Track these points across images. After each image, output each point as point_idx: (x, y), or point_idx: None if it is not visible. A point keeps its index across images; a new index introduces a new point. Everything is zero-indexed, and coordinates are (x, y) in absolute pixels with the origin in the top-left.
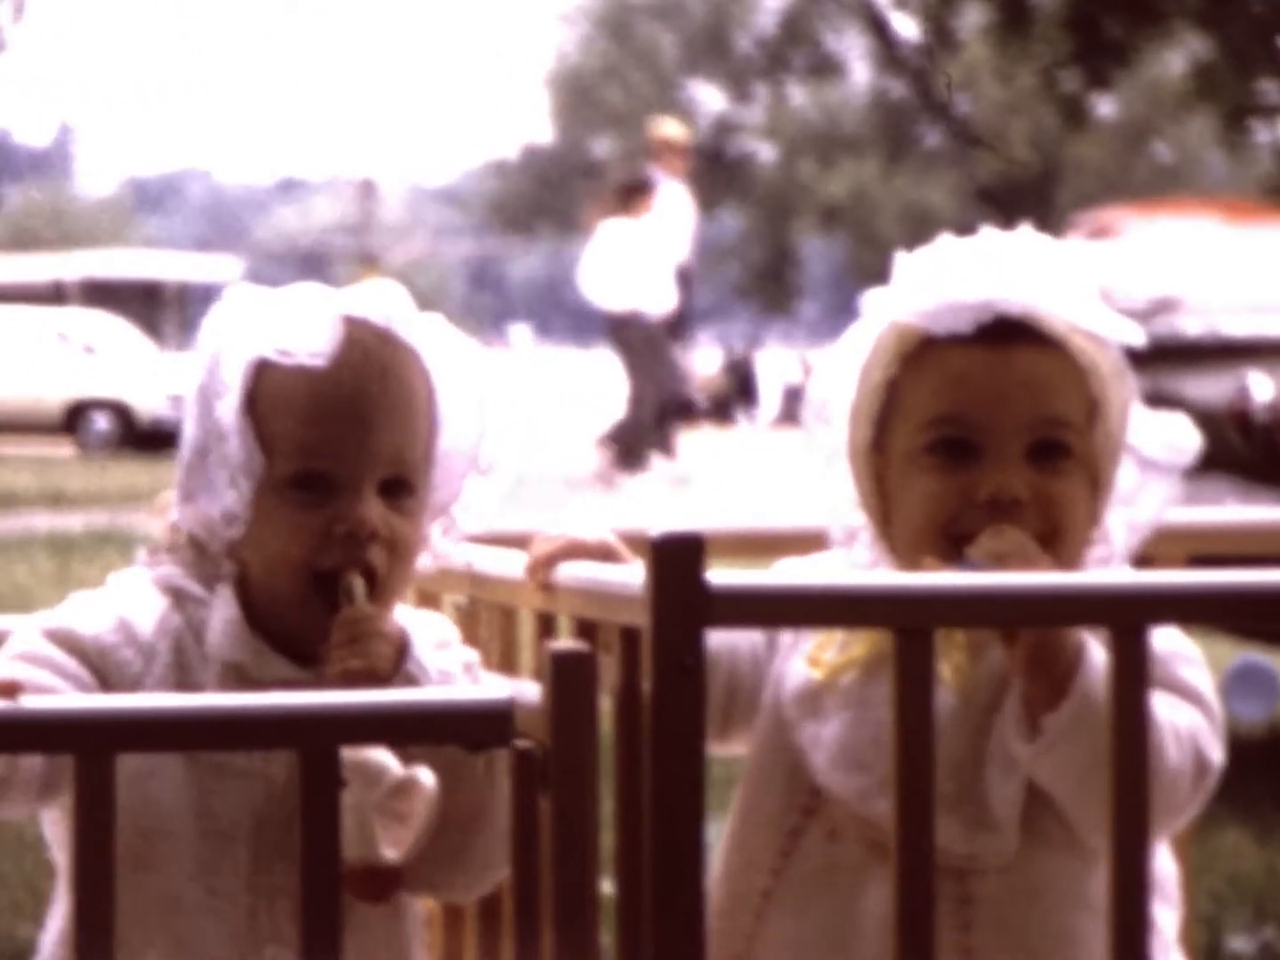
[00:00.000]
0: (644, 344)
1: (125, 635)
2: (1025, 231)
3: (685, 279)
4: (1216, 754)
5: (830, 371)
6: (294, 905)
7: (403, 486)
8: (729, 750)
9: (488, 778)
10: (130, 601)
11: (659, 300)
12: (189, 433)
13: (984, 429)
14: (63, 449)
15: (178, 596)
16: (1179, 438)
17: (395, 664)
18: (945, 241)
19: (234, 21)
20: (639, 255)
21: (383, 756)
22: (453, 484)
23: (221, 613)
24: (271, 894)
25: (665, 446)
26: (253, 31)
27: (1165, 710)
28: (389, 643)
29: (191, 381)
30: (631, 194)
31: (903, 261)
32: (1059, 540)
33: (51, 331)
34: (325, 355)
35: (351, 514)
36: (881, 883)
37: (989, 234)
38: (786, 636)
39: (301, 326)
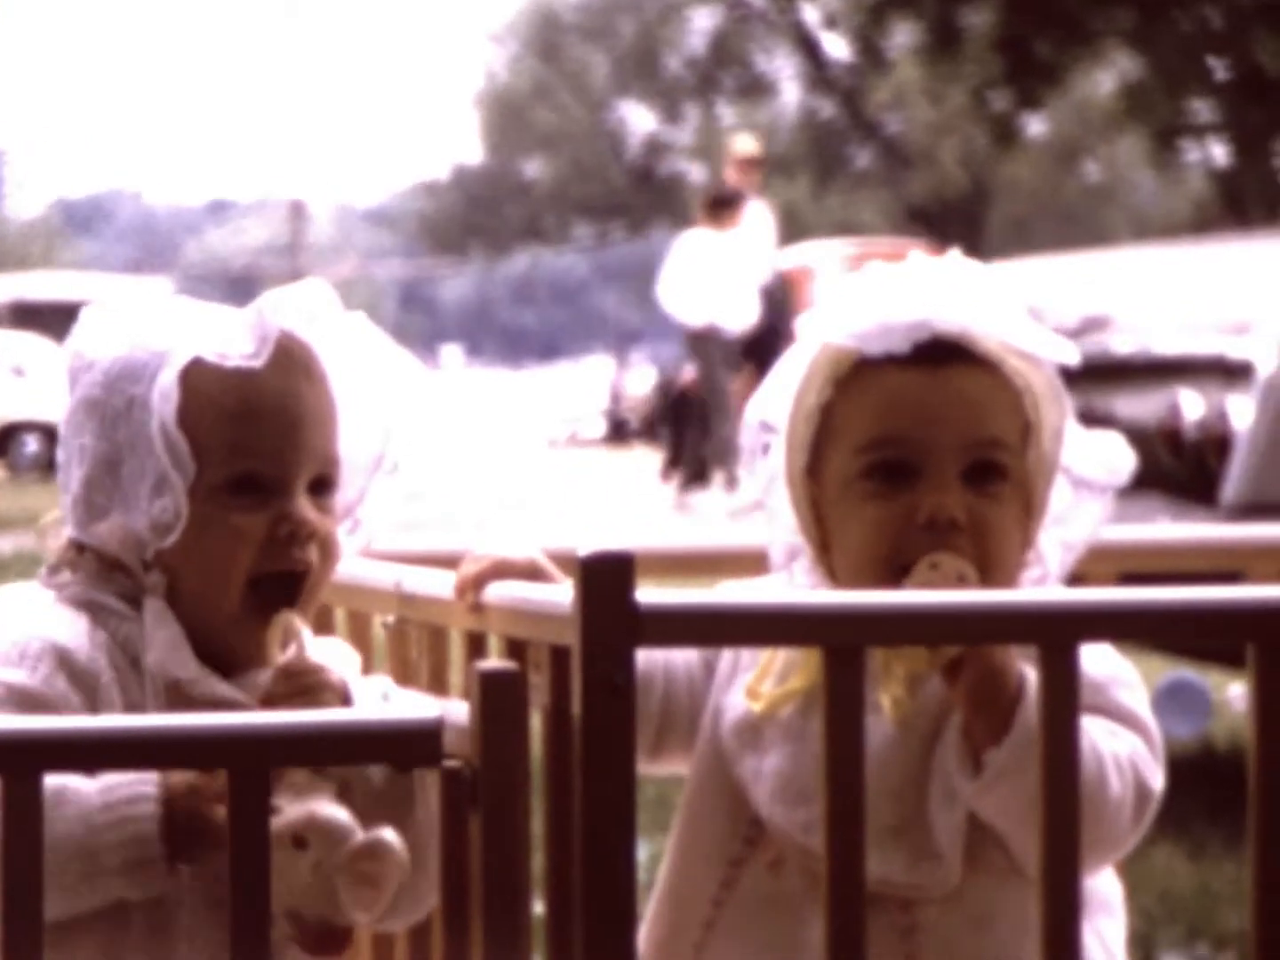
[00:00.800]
0: (722, 360)
1: (66, 666)
2: (955, 255)
3: (770, 298)
4: (1157, 781)
5: (766, 396)
6: None
7: (327, 485)
8: (661, 770)
9: (426, 818)
10: (49, 625)
11: (739, 316)
12: (88, 448)
13: (920, 450)
14: None
15: (95, 612)
16: (1114, 457)
17: None
18: (875, 266)
19: (161, 42)
20: (723, 269)
21: (345, 817)
22: (357, 484)
23: (160, 629)
24: None
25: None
26: (180, 52)
27: (1106, 739)
28: (335, 694)
29: (81, 396)
30: (721, 206)
31: (834, 285)
32: (993, 563)
33: None
34: (262, 357)
35: (293, 514)
36: (818, 914)
37: (919, 258)
38: (724, 666)
39: (230, 330)
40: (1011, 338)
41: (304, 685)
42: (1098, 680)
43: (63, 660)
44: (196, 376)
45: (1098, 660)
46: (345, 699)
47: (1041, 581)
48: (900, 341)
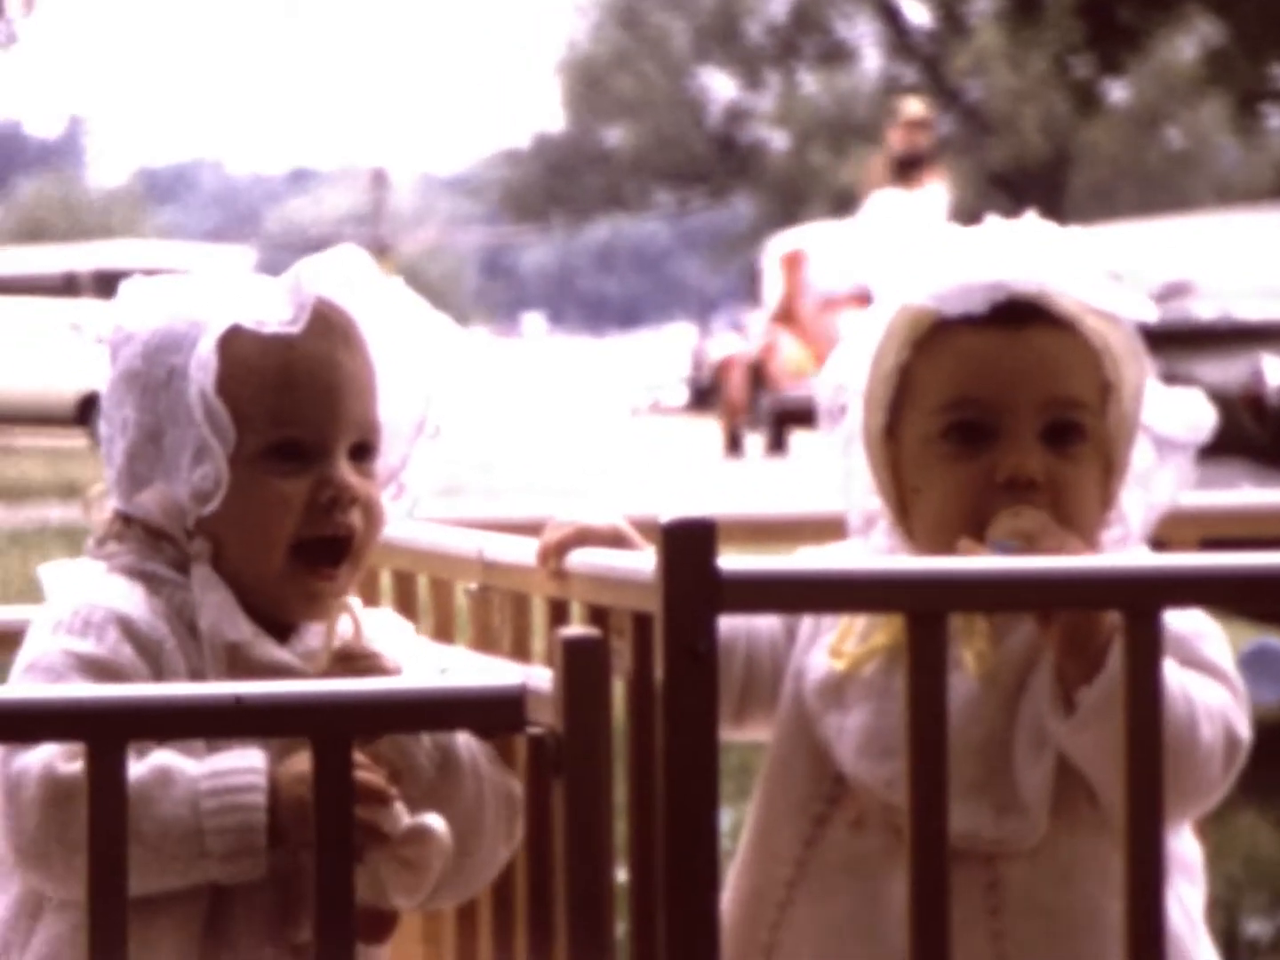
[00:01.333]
0: None
1: (130, 634)
2: (1031, 217)
3: None
4: (1245, 730)
5: (843, 358)
6: None
7: (368, 451)
8: (745, 736)
9: (476, 802)
10: (107, 594)
11: None
12: (130, 419)
13: (999, 411)
14: (76, 440)
15: (148, 580)
16: (1195, 415)
17: None
18: (953, 229)
19: (244, 11)
20: (911, 229)
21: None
22: (399, 450)
23: (211, 594)
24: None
25: None
26: (263, 21)
27: (1196, 689)
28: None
29: (122, 369)
30: (910, 166)
31: (911, 247)
32: (1072, 523)
33: (64, 323)
34: (299, 323)
35: (334, 479)
36: (901, 868)
37: (996, 221)
38: (805, 628)
39: (268, 297)
40: (1089, 297)
41: (360, 669)
42: (1181, 634)
43: (127, 628)
44: (235, 344)
45: (1180, 614)
46: None
47: (1123, 541)
48: (979, 301)
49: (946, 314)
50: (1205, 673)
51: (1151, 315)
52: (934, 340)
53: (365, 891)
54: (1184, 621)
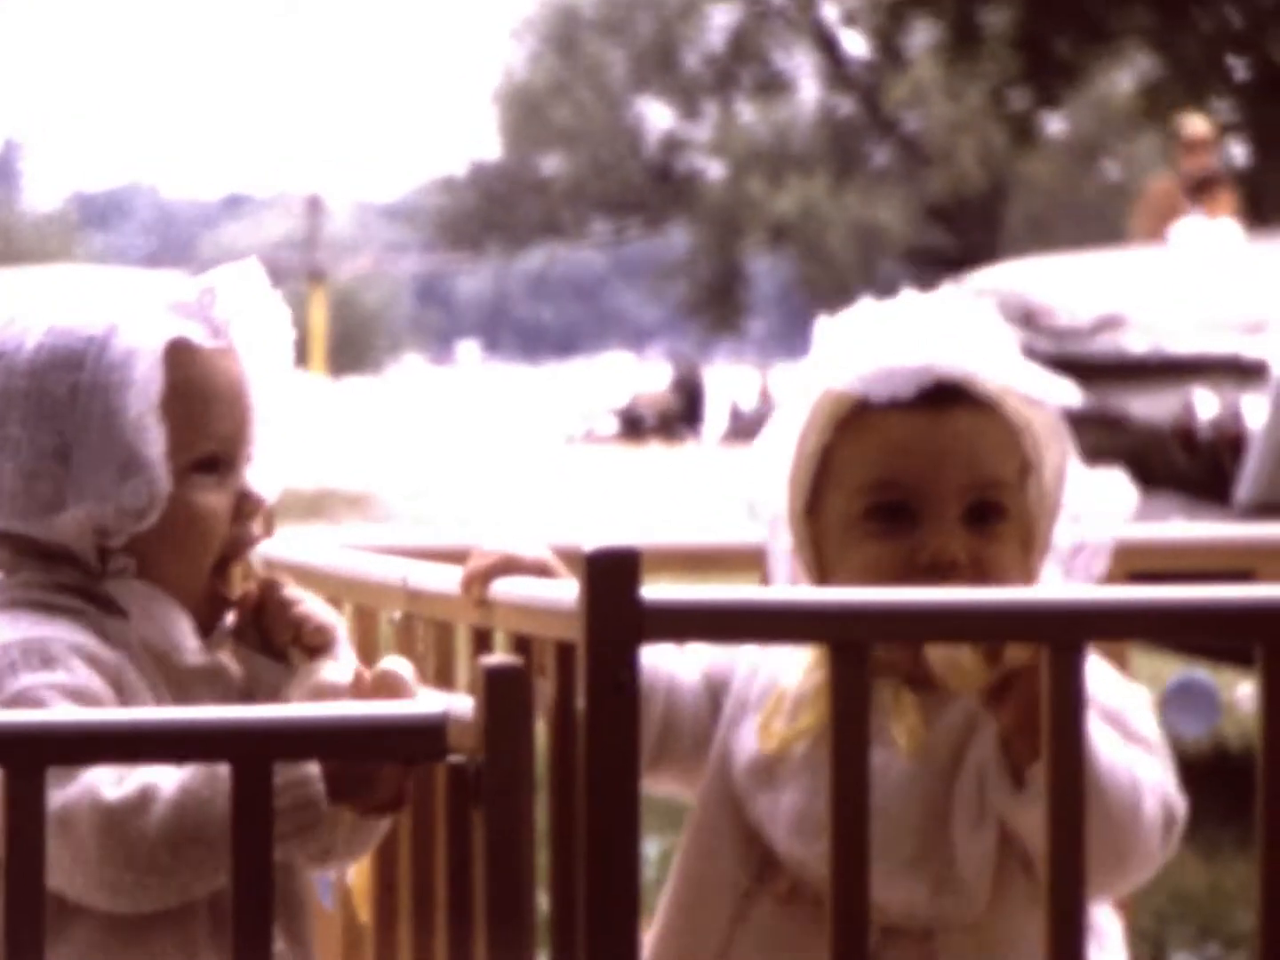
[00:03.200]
0: None
1: (93, 663)
2: (949, 293)
3: None
4: (1181, 805)
5: (768, 439)
6: None
7: (248, 459)
8: (657, 787)
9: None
10: (50, 628)
11: None
12: (18, 439)
13: (921, 493)
14: None
15: (67, 613)
16: (1116, 497)
17: None
18: (866, 306)
19: (179, 38)
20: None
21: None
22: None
23: (154, 606)
24: None
25: None
26: (197, 47)
27: (1140, 767)
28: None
29: (2, 389)
30: (1205, 188)
31: (829, 327)
32: None
33: None
34: (225, 340)
35: (252, 492)
36: (828, 940)
37: (911, 296)
38: (731, 705)
39: (195, 314)
40: (1014, 380)
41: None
42: (1112, 709)
43: (88, 656)
44: (166, 358)
45: (1109, 689)
46: None
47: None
48: (904, 386)
49: (873, 398)
50: (1142, 747)
51: (1074, 399)
52: (856, 421)
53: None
54: (1116, 695)
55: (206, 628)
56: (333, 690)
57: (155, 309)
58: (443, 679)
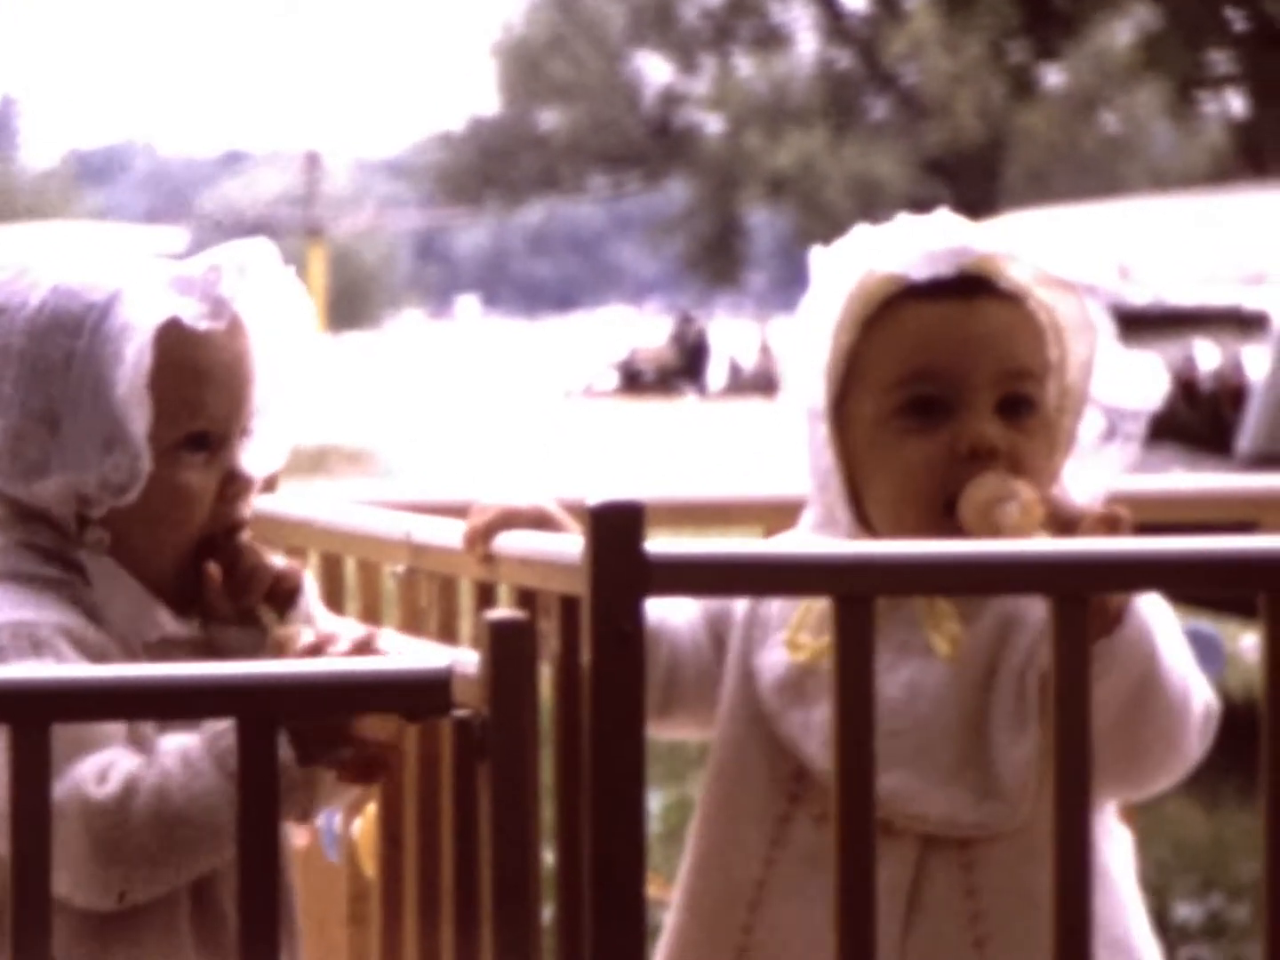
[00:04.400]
0: None
1: (79, 645)
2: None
3: None
4: (1216, 703)
5: (803, 330)
6: None
7: (247, 435)
8: (668, 731)
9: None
10: (32, 609)
11: None
12: (10, 398)
13: (956, 383)
14: None
15: (47, 585)
16: (1147, 384)
17: None
18: (903, 216)
19: None
20: None
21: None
22: (261, 431)
23: (119, 588)
24: None
25: None
26: (195, 3)
27: (1188, 663)
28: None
29: (5, 347)
30: None
31: (865, 228)
32: None
33: None
34: (223, 319)
35: (240, 473)
36: (881, 858)
37: (944, 212)
38: (744, 632)
39: (183, 288)
40: (1048, 264)
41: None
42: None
43: (74, 639)
44: (158, 335)
45: (1145, 601)
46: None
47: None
48: (945, 265)
49: (911, 280)
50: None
51: (1110, 282)
52: (882, 319)
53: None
54: (1152, 609)
55: (184, 605)
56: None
57: (158, 284)
58: (446, 633)
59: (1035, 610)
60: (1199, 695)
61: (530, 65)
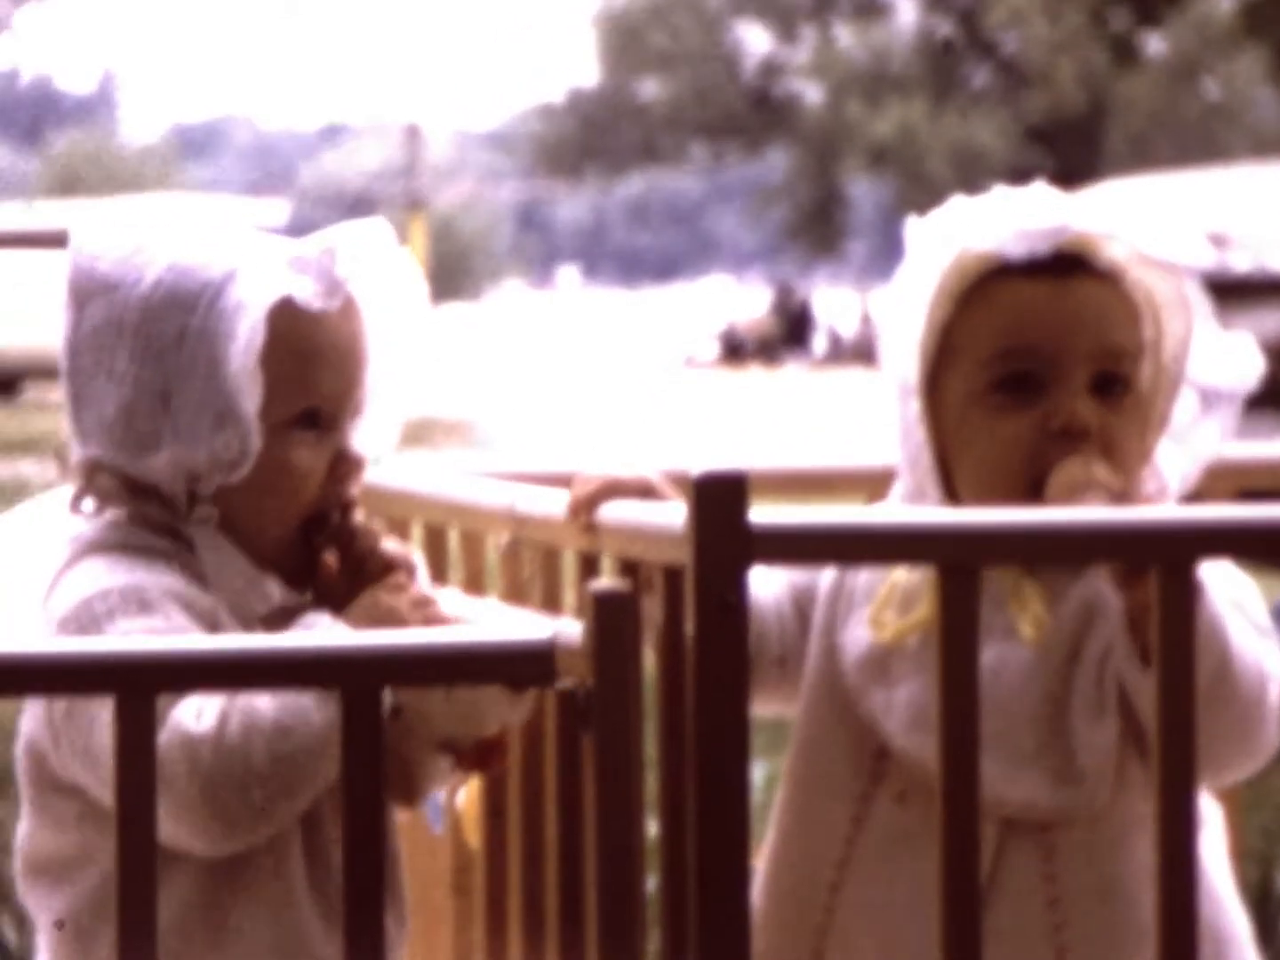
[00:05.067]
0: None
1: (189, 608)
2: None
3: None
4: None
5: (898, 305)
6: None
7: (358, 415)
8: (756, 709)
9: None
10: (144, 573)
11: None
12: (124, 373)
13: (1050, 360)
14: None
15: (158, 555)
16: (1242, 364)
17: None
18: (999, 189)
19: None
20: None
21: None
22: (374, 411)
23: (227, 562)
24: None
25: None
26: None
27: (1266, 656)
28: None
29: (107, 317)
30: None
31: (958, 201)
32: (1118, 475)
33: None
34: (336, 300)
35: (351, 453)
36: (940, 831)
37: (1040, 184)
38: (825, 608)
39: (288, 264)
40: (1146, 242)
41: (430, 616)
42: (1236, 599)
43: (185, 603)
44: (272, 314)
45: (1226, 580)
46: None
47: (1159, 496)
48: (1041, 243)
49: (1007, 259)
50: (1263, 637)
51: (1208, 260)
52: (977, 295)
53: (467, 726)
54: (1231, 587)
55: (295, 581)
56: (387, 611)
57: (274, 263)
58: (550, 604)
59: (1117, 598)
60: (1276, 688)
61: (630, 36)
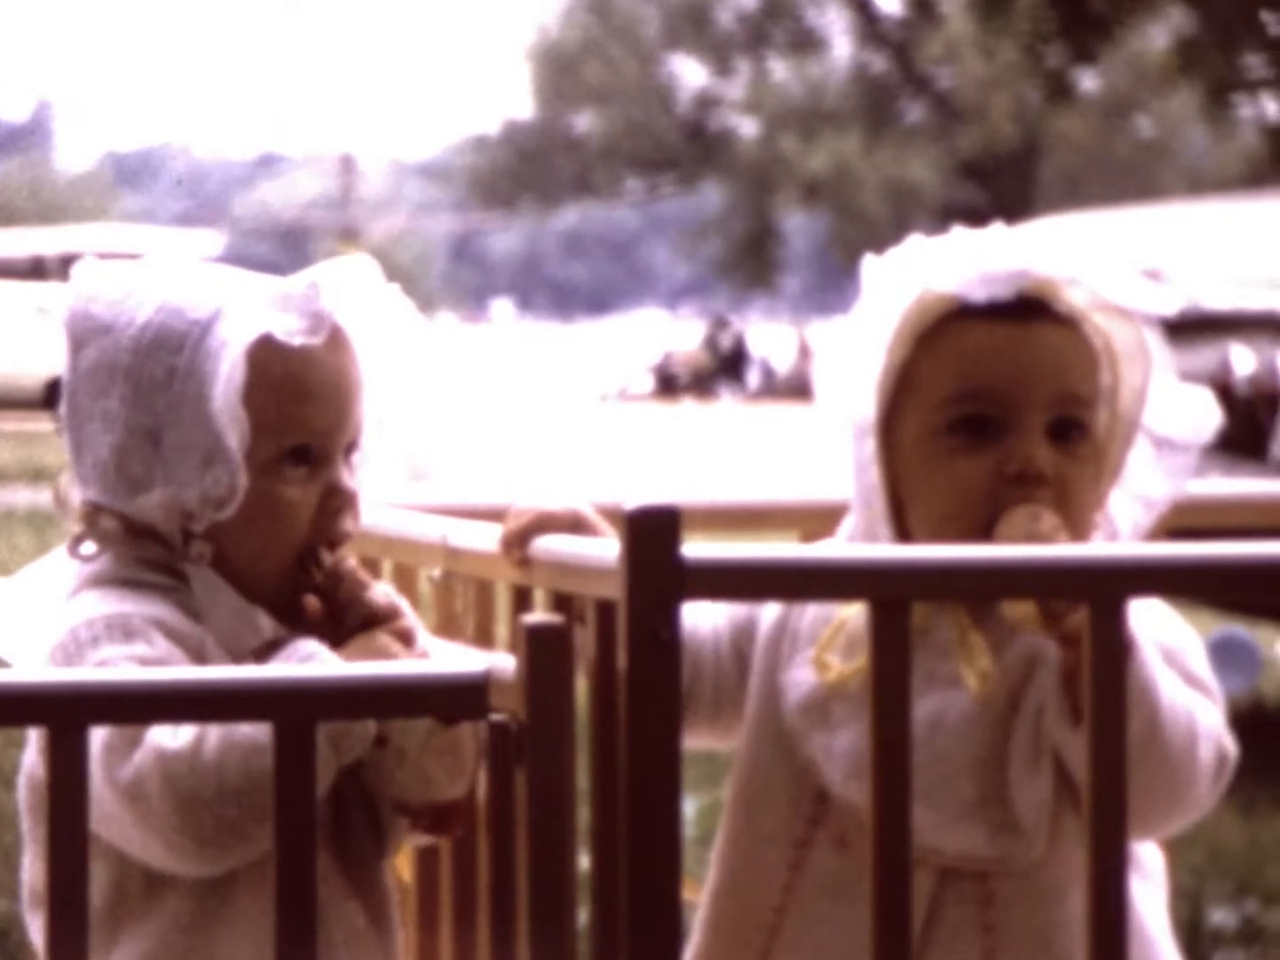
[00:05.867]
0: None
1: (174, 637)
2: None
3: None
4: (1232, 750)
5: (853, 343)
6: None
7: (354, 449)
8: (686, 741)
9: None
10: (132, 603)
11: None
12: (115, 414)
13: (1008, 403)
14: (42, 424)
15: (151, 589)
16: (1199, 415)
17: None
18: (958, 229)
19: None
20: None
21: None
22: (371, 444)
23: (220, 599)
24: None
25: None
26: (230, 6)
27: (1197, 710)
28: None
29: (99, 359)
30: None
31: (918, 241)
32: (1073, 521)
33: (31, 306)
34: (320, 336)
35: (342, 487)
36: (869, 883)
37: (999, 225)
38: (768, 647)
39: (283, 305)
40: (1107, 288)
41: (410, 638)
42: (1171, 648)
43: (170, 631)
44: (256, 351)
45: (1166, 628)
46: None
47: (1111, 540)
48: (1003, 288)
49: (969, 302)
50: (1198, 689)
51: (1172, 307)
52: (937, 335)
53: (421, 790)
54: (1171, 635)
55: (286, 616)
56: (381, 649)
57: (258, 300)
58: (483, 637)
59: (1055, 650)
60: (1208, 745)
61: (564, 69)
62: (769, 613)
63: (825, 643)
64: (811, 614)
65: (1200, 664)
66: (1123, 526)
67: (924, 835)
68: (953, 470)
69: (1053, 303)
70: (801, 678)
